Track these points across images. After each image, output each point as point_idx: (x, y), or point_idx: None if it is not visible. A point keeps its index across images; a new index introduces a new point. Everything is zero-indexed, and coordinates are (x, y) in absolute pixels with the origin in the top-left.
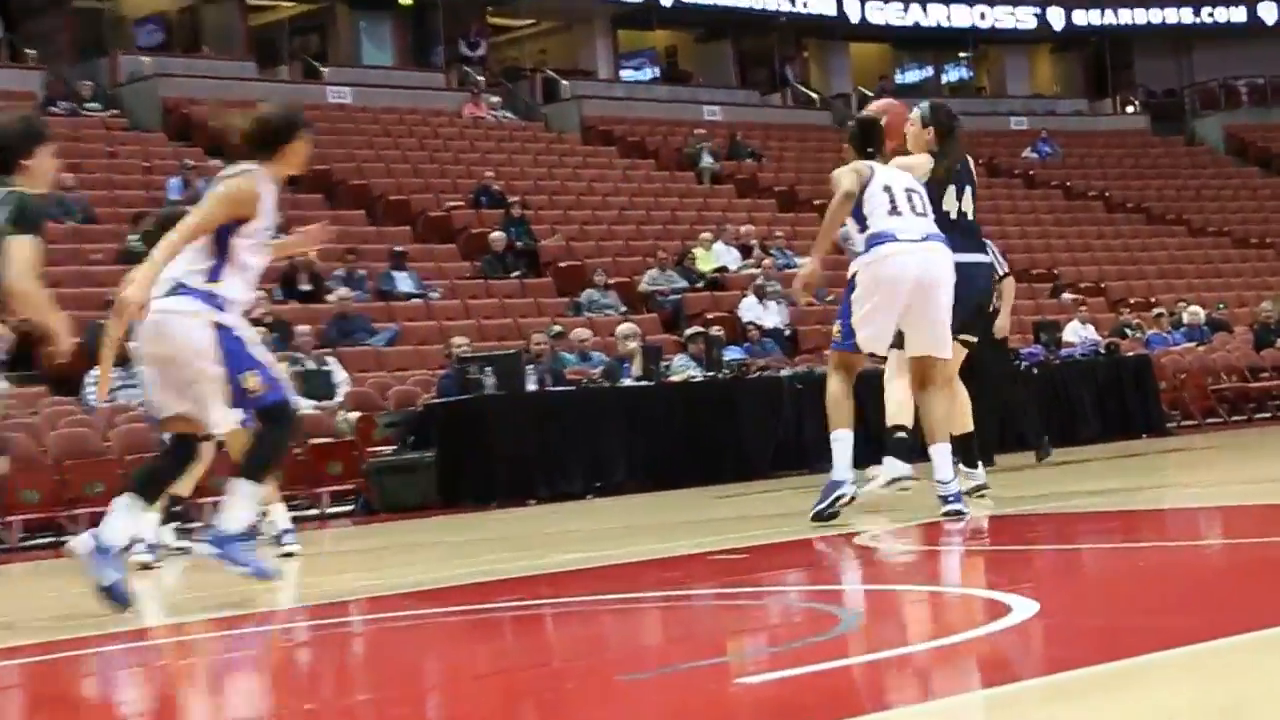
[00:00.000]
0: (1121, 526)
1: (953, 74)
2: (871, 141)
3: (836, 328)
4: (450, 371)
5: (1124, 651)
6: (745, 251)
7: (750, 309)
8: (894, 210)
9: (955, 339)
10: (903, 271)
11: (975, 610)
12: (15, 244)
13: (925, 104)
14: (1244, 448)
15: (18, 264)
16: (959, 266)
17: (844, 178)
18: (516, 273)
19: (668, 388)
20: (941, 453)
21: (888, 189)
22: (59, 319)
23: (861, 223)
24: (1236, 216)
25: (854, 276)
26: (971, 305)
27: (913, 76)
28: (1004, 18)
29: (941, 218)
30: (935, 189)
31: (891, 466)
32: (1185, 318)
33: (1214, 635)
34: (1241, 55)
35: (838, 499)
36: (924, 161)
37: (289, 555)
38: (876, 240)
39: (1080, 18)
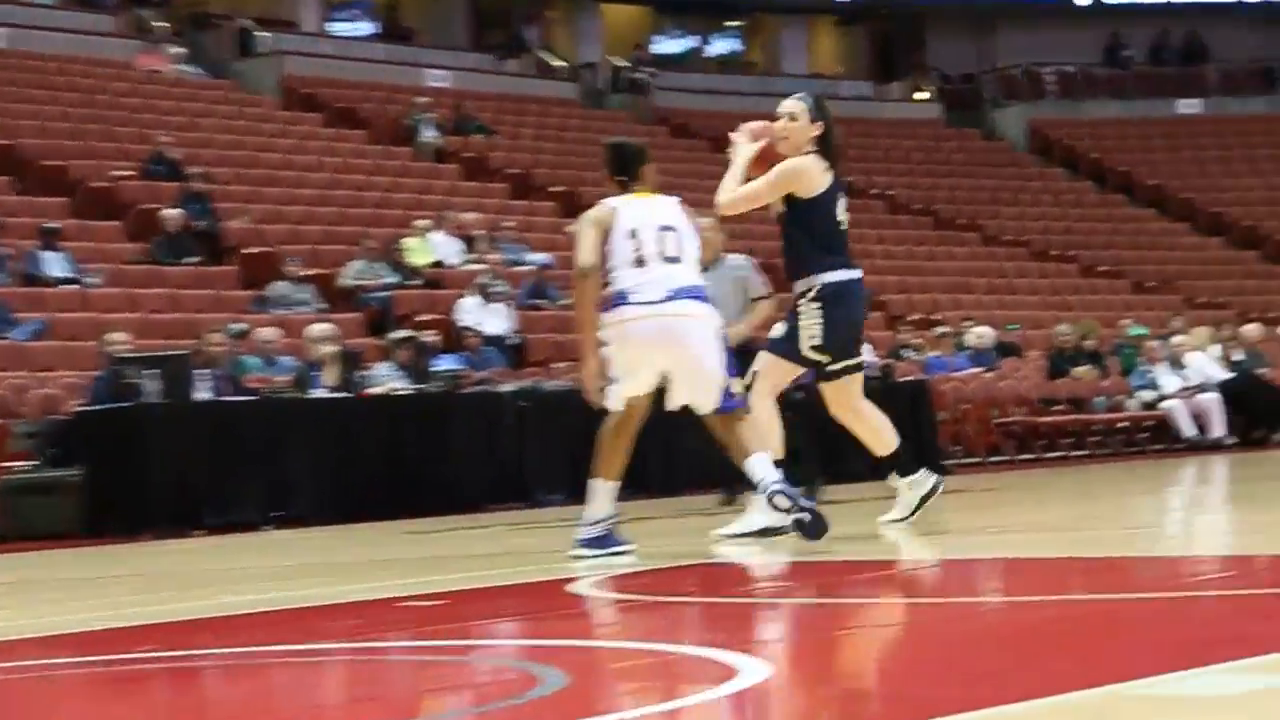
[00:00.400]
0: (879, 578)
1: (720, 45)
2: (628, 169)
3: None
4: (105, 374)
5: None
6: (469, 243)
7: (471, 312)
8: (639, 261)
9: (842, 367)
10: (646, 338)
11: (695, 673)
12: None
13: (808, 96)
14: (1030, 490)
15: None
16: (854, 284)
17: (582, 241)
18: (193, 258)
19: (366, 401)
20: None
21: (634, 234)
22: None
23: (608, 272)
24: (1037, 224)
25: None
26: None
27: (673, 46)
28: None
29: (834, 230)
30: (830, 197)
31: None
32: (971, 339)
33: (965, 708)
34: (1050, 39)
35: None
36: (815, 166)
37: None
38: (616, 301)
39: None
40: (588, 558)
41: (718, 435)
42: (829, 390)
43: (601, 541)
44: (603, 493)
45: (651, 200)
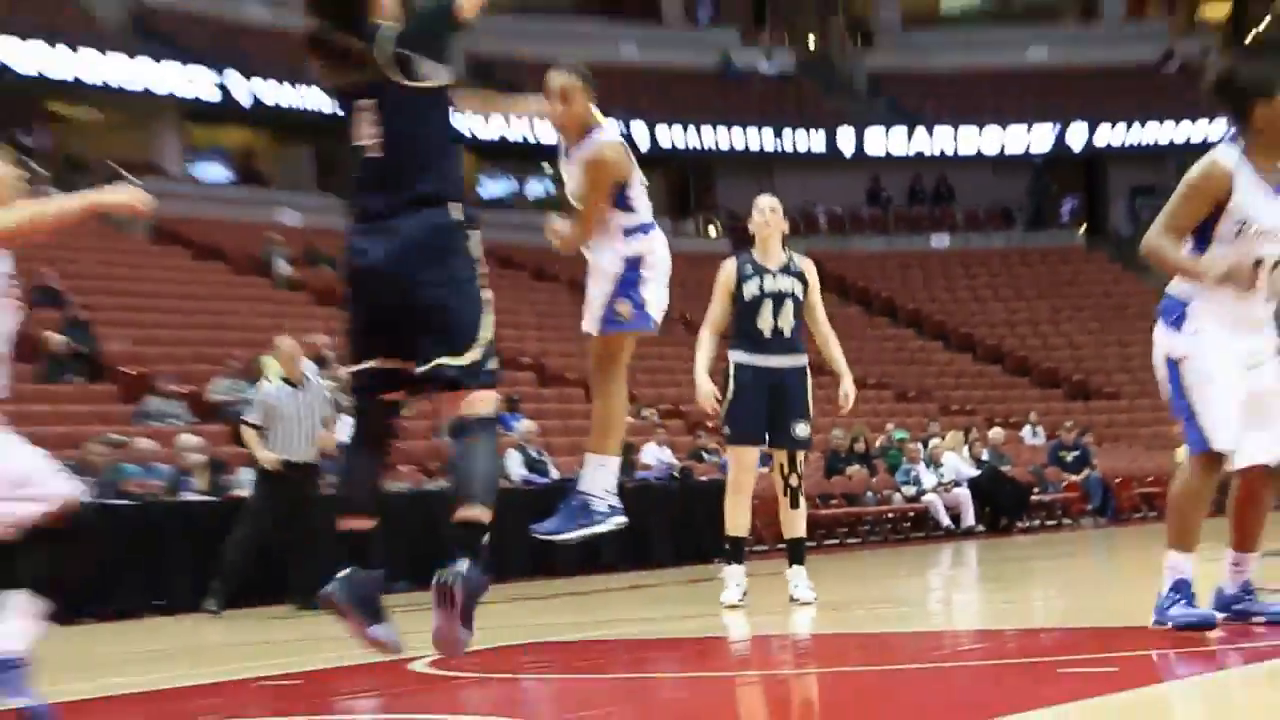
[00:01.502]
0: (693, 653)
1: (537, 188)
2: None
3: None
4: None
5: None
6: (321, 363)
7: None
8: None
9: None
10: None
11: None
12: None
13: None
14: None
15: None
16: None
17: None
18: (76, 378)
19: (232, 504)
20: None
21: None
22: None
23: None
24: (810, 344)
25: None
26: None
27: (495, 188)
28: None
29: None
30: None
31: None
32: None
33: None
34: (821, 183)
35: None
36: None
37: None
38: None
39: (664, 138)
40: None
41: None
42: None
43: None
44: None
45: None
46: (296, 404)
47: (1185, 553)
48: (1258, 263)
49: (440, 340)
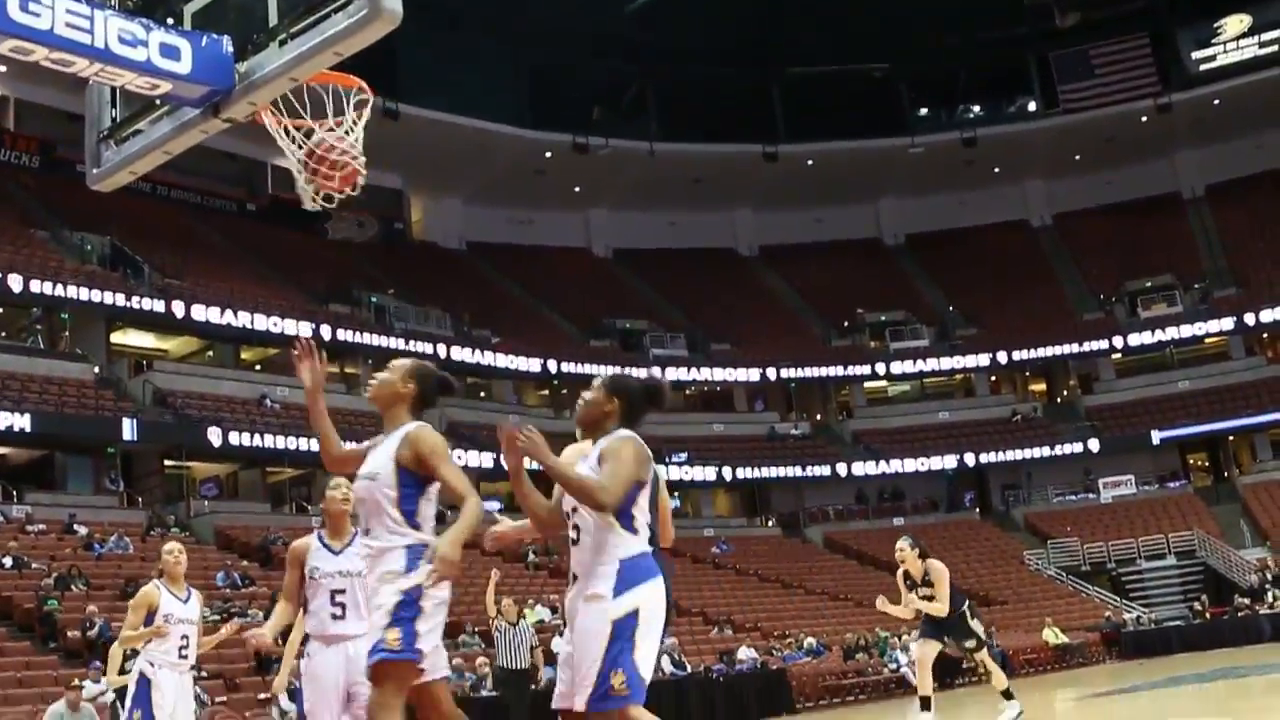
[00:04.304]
0: None
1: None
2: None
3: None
4: None
5: None
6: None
7: None
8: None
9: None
10: None
11: None
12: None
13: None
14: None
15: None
16: None
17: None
18: None
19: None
20: None
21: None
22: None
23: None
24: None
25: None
26: None
27: None
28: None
29: None
30: None
31: None
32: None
33: None
34: (830, 493)
35: None
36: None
37: None
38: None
39: (740, 474)
40: None
41: None
42: None
43: None
44: None
45: None
46: (511, 635)
47: None
48: None
49: None
